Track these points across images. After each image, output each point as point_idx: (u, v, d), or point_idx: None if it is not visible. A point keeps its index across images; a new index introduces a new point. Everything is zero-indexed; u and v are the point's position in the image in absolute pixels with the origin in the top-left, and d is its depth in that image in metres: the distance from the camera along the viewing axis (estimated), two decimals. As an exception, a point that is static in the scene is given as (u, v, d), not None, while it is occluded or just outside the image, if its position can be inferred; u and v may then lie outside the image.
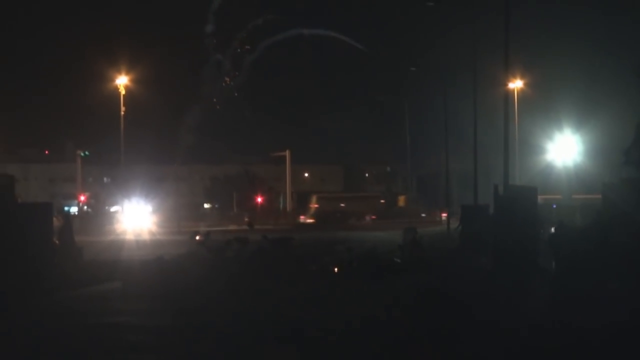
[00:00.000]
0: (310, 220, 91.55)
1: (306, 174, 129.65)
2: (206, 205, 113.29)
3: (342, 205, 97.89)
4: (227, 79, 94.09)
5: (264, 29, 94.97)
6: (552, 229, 30.71)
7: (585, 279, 26.34)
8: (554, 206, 53.89)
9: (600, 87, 76.74)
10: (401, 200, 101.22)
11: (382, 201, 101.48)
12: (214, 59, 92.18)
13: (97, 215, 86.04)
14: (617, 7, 79.32)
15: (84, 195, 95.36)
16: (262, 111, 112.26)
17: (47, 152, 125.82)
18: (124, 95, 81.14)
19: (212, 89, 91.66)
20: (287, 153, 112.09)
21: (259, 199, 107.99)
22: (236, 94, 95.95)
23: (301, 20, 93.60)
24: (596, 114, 73.32)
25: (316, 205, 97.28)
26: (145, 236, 59.41)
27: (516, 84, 77.15)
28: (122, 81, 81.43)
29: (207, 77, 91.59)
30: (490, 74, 52.99)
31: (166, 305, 23.86)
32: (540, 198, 39.59)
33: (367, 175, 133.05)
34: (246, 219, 52.48)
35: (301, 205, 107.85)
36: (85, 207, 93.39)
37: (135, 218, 72.69)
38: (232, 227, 66.92)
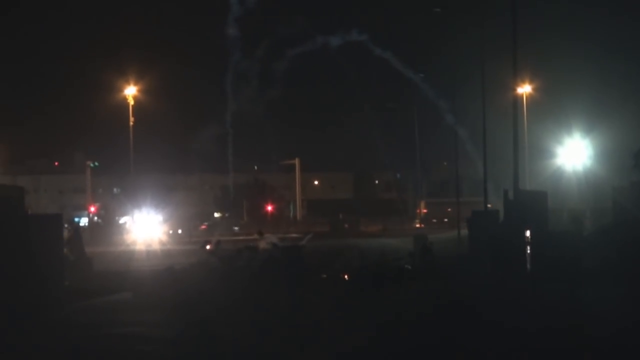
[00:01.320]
0: (418, 225, 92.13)
1: (316, 182, 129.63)
2: (216, 215, 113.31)
3: (449, 210, 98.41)
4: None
5: (276, 39, 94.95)
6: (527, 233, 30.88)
7: (560, 282, 26.47)
8: None
9: (609, 91, 76.64)
10: None
11: (489, 205, 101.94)
12: (232, 68, 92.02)
13: (107, 226, 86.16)
14: (628, 11, 79.28)
15: (93, 206, 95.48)
16: (273, 119, 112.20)
17: (56, 163, 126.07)
18: (132, 105, 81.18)
19: (232, 98, 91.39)
20: (297, 161, 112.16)
21: (269, 208, 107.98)
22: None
23: (311, 28, 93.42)
24: (606, 118, 73.20)
25: (425, 211, 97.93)
26: (156, 246, 59.40)
27: (525, 89, 77.01)
28: (130, 91, 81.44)
29: (227, 87, 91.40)
30: (500, 79, 52.92)
31: (177, 315, 23.80)
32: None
33: (377, 182, 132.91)
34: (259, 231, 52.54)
35: (312, 213, 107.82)
36: (96, 218, 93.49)
37: (146, 228, 72.72)
38: (241, 237, 66.87)
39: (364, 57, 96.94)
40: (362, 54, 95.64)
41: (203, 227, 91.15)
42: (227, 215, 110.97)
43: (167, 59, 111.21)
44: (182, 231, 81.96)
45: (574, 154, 78.38)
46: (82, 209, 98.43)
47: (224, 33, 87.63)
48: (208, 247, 38.13)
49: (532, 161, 79.19)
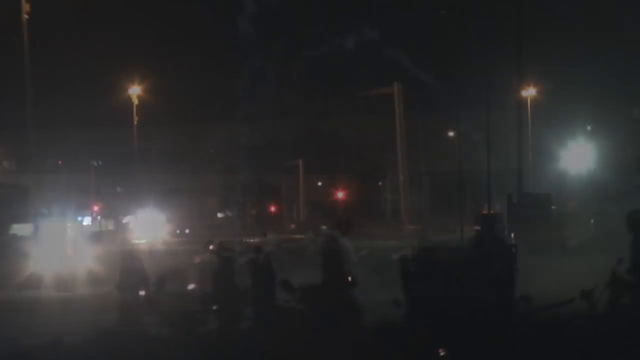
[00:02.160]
0: None
1: (319, 183, 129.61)
2: (219, 215, 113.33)
3: None
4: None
5: (281, 39, 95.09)
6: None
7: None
8: None
9: (614, 94, 76.70)
10: (571, 205, 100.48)
11: (553, 207, 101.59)
12: (235, 67, 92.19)
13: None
14: (633, 14, 79.29)
15: (97, 205, 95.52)
16: (276, 120, 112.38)
17: (60, 162, 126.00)
18: (137, 105, 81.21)
19: (236, 98, 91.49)
20: (300, 162, 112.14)
21: (273, 208, 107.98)
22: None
23: (316, 29, 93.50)
24: (610, 122, 73.25)
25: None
26: (159, 246, 59.38)
27: (529, 92, 76.87)
28: (134, 91, 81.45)
29: (230, 87, 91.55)
30: (504, 81, 52.94)
31: (179, 314, 23.79)
32: None
33: (380, 183, 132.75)
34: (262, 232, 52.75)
35: (316, 214, 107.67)
36: (99, 217, 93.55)
37: (149, 227, 72.66)
38: (245, 237, 66.81)
39: (368, 58, 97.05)
40: (367, 56, 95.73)
41: (293, 226, 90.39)
42: (230, 215, 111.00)
43: (172, 57, 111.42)
44: (189, 231, 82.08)
45: (578, 157, 78.34)
46: (85, 208, 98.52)
47: (226, 32, 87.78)
48: (211, 247, 38.12)
49: (535, 164, 79.11)
